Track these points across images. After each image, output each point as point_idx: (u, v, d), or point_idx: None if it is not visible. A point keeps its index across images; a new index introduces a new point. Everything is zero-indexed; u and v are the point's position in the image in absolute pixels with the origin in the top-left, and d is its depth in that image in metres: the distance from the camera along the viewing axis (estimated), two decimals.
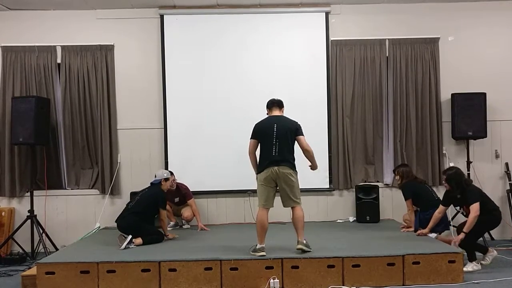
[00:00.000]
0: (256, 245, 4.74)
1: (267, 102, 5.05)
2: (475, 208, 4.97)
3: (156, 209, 5.57)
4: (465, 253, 4.90)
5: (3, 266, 5.75)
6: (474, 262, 5.02)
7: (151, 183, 5.77)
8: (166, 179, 5.76)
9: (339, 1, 6.73)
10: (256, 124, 4.95)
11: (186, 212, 6.36)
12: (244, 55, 6.77)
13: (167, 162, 6.66)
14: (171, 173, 6.01)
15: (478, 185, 6.52)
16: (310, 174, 6.56)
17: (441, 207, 5.40)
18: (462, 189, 5.14)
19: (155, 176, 5.80)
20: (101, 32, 6.74)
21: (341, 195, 6.80)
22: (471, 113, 6.46)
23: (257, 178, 4.88)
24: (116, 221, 5.55)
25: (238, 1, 6.64)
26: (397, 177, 6.13)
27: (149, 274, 4.57)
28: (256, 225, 4.80)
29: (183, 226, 6.41)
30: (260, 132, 4.88)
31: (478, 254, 5.09)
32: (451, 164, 6.66)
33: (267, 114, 5.02)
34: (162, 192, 5.67)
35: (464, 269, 4.82)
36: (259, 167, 4.85)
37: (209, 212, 6.75)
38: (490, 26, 6.83)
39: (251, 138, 4.91)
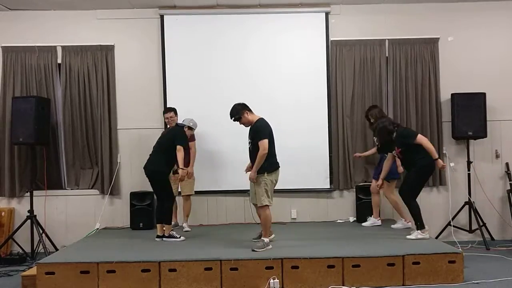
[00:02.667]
0: (264, 240, 4.93)
1: (244, 105, 5.09)
2: (422, 140, 5.32)
3: (175, 146, 5.59)
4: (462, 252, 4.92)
5: (3, 266, 5.74)
6: (419, 231, 5.24)
7: (176, 124, 5.95)
8: (190, 128, 5.87)
9: (339, 2, 6.73)
10: (265, 125, 5.03)
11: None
12: (244, 55, 6.77)
13: None
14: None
15: (478, 186, 6.60)
16: (311, 174, 6.65)
17: (389, 155, 5.73)
18: (390, 136, 5.41)
19: (183, 120, 5.94)
20: (101, 32, 6.75)
21: (341, 195, 6.80)
22: (471, 113, 6.46)
23: (267, 177, 4.96)
24: (144, 167, 5.67)
25: (238, 2, 6.64)
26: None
27: (149, 274, 4.57)
28: (267, 223, 5.00)
29: (183, 229, 6.32)
30: (271, 133, 5.05)
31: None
32: (452, 165, 6.68)
33: (247, 115, 5.05)
34: (183, 131, 5.78)
35: (408, 236, 5.23)
36: (272, 167, 5.01)
37: (209, 212, 6.75)
38: (489, 26, 6.83)
39: (265, 138, 4.93)
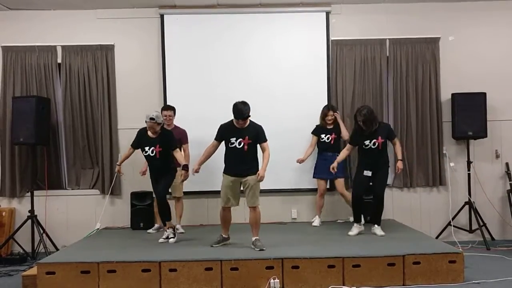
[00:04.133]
0: (258, 239, 5.01)
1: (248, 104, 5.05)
2: (398, 140, 5.83)
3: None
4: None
5: (3, 266, 5.76)
6: (358, 224, 5.70)
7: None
8: (146, 122, 5.48)
9: (339, 1, 6.72)
10: None
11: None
12: (244, 54, 6.76)
13: None
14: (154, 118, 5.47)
15: (479, 185, 6.60)
16: (312, 174, 6.64)
17: (349, 146, 5.87)
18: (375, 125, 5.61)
19: None
20: (101, 32, 6.74)
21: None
22: (471, 113, 6.45)
23: None
24: None
25: (239, 1, 6.63)
26: (331, 117, 6.36)
27: (149, 274, 4.57)
28: (259, 221, 5.11)
29: (178, 231, 6.03)
30: None
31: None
32: (452, 165, 6.69)
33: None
34: (138, 131, 5.67)
35: (380, 234, 5.54)
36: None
37: (209, 212, 6.74)
38: (490, 25, 6.82)
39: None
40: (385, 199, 6.65)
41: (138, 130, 5.71)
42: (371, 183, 5.78)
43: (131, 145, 5.69)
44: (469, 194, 6.55)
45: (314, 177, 6.46)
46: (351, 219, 6.62)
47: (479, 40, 6.81)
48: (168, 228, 5.57)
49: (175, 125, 6.26)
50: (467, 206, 6.55)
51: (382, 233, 5.58)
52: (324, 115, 6.36)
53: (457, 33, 6.82)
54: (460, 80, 6.73)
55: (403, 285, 4.60)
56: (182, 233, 6.09)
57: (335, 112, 6.38)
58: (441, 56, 6.75)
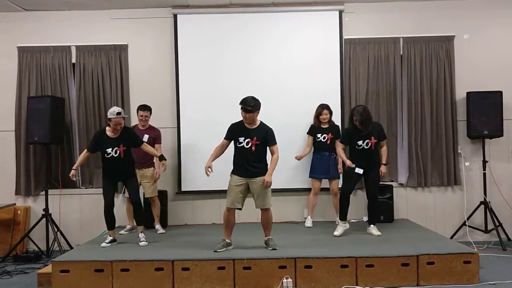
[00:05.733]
0: (271, 238, 5.01)
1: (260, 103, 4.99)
2: (385, 146, 5.74)
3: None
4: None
5: (19, 264, 5.84)
6: (343, 223, 5.61)
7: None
8: (112, 119, 5.24)
9: (353, 0, 6.69)
10: None
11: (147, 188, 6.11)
12: (257, 54, 6.76)
13: (180, 161, 6.70)
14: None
15: (494, 185, 6.52)
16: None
17: (342, 145, 5.79)
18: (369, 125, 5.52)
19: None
20: (115, 32, 6.79)
21: (355, 195, 6.71)
22: (487, 112, 6.37)
23: None
24: None
25: (251, 0, 6.63)
26: (325, 116, 6.27)
27: (162, 273, 4.59)
28: (271, 222, 5.05)
29: (157, 232, 6.11)
30: None
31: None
32: (467, 164, 6.61)
33: (257, 114, 5.00)
34: (96, 133, 5.52)
35: (376, 234, 5.46)
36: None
37: (221, 210, 6.71)
38: (506, 23, 6.74)
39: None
40: (400, 199, 6.70)
41: (95, 132, 5.62)
42: (364, 186, 5.83)
43: (87, 149, 5.45)
44: (485, 193, 6.47)
45: (310, 176, 6.40)
46: (365, 218, 6.61)
47: (495, 38, 6.72)
48: (141, 232, 5.46)
49: (149, 125, 6.26)
50: (482, 206, 6.46)
51: (378, 233, 5.51)
52: (318, 114, 6.29)
53: (472, 31, 6.74)
54: (476, 79, 6.64)
55: (417, 285, 4.56)
56: (163, 233, 6.05)
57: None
58: (456, 54, 6.68)
